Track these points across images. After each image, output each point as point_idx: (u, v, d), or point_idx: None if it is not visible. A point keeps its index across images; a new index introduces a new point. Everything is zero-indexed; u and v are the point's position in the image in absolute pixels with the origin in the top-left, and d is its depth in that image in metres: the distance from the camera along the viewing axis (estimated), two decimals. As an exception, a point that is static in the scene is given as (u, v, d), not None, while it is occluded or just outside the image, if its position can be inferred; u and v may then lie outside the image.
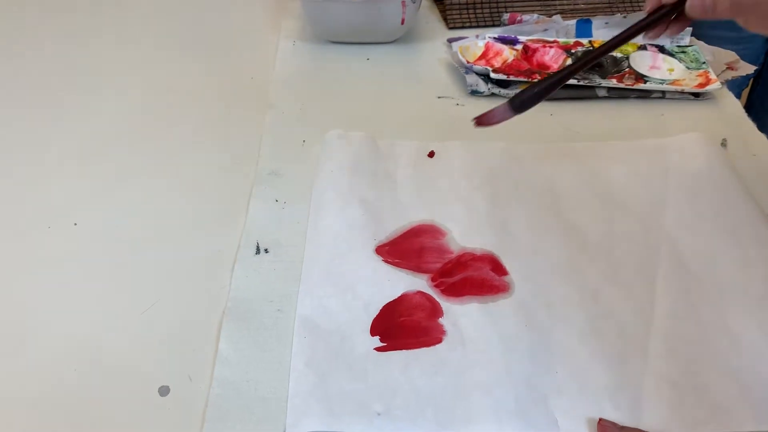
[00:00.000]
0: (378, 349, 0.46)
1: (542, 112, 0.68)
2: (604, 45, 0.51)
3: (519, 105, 0.53)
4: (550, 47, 0.74)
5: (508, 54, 0.74)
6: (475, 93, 0.70)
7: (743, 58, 0.74)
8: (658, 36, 0.51)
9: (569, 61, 0.72)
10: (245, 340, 0.46)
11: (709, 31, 0.80)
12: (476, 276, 0.51)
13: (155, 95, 0.71)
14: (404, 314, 0.48)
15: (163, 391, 0.44)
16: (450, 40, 0.78)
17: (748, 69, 0.74)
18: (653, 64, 0.72)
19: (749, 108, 0.68)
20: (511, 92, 0.69)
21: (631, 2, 0.84)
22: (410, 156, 0.62)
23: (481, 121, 0.54)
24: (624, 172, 0.60)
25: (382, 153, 0.62)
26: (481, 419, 0.42)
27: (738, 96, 0.71)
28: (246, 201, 0.57)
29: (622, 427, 0.41)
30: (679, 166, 0.60)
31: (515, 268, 0.51)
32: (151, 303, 0.49)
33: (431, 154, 0.62)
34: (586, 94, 0.69)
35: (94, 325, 0.48)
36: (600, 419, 0.41)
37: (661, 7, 0.49)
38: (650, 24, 0.49)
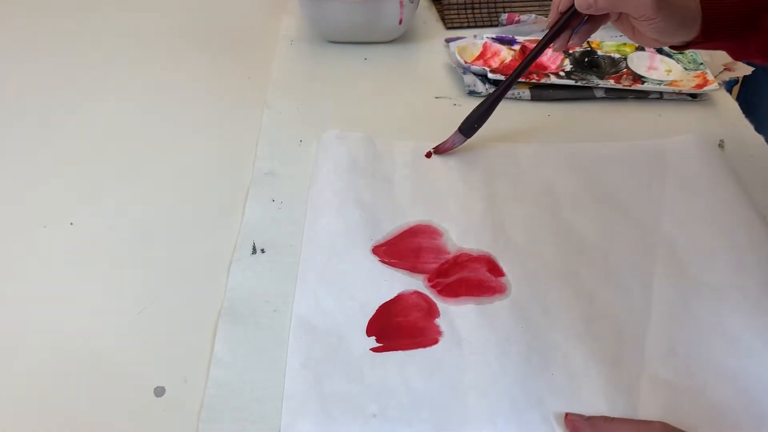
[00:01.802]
0: (374, 349, 0.46)
1: (540, 112, 0.68)
2: (525, 59, 0.56)
3: (468, 129, 0.60)
4: (548, 47, 0.73)
5: (506, 54, 0.74)
6: (472, 93, 0.70)
7: None
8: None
9: (567, 62, 0.72)
10: (241, 341, 0.46)
11: None
12: (473, 277, 0.51)
13: (152, 94, 0.71)
14: (400, 314, 0.48)
15: (159, 391, 0.44)
16: (448, 40, 0.78)
17: (745, 70, 0.74)
18: (651, 64, 0.72)
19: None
20: (509, 92, 0.69)
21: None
22: (407, 156, 0.62)
23: (438, 150, 0.62)
24: (621, 173, 0.60)
25: (379, 153, 0.62)
26: (477, 421, 0.42)
27: (729, 93, 0.71)
28: (242, 201, 0.57)
29: (588, 418, 0.41)
30: (676, 168, 0.60)
31: (512, 270, 0.51)
32: (147, 303, 0.49)
33: (428, 155, 0.62)
34: (584, 94, 0.69)
35: (89, 326, 0.48)
36: (566, 414, 0.41)
37: (562, 15, 0.53)
38: (557, 32, 0.53)
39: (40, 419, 0.42)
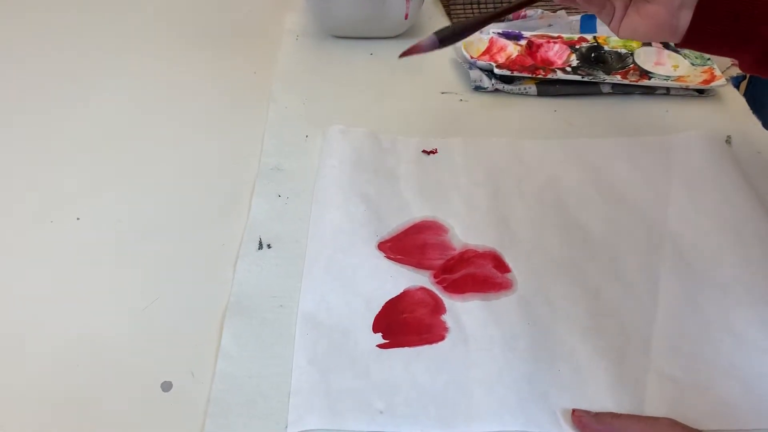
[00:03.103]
0: (380, 346, 0.46)
1: (546, 108, 0.68)
2: None
3: (447, 37, 0.53)
4: (555, 43, 0.73)
5: (512, 49, 0.73)
6: (478, 89, 0.70)
7: None
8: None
9: (573, 57, 0.72)
10: (248, 336, 0.46)
11: None
12: (478, 273, 0.50)
13: (158, 90, 0.71)
14: (406, 311, 0.48)
15: (166, 386, 0.44)
16: (454, 35, 0.78)
17: (753, 65, 0.73)
18: (658, 60, 0.71)
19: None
20: (515, 87, 0.69)
21: (636, -3, 0.84)
22: (412, 152, 0.61)
23: (408, 52, 0.54)
24: (627, 169, 0.60)
25: (384, 149, 0.62)
26: (483, 416, 0.42)
27: (737, 89, 0.71)
28: (249, 196, 0.57)
29: (596, 414, 0.41)
30: (683, 164, 0.60)
31: (517, 265, 0.51)
32: (154, 298, 0.49)
33: (433, 151, 0.62)
34: (590, 90, 0.69)
35: (96, 321, 0.48)
36: (573, 410, 0.42)
37: None
38: None
39: (47, 415, 0.43)
